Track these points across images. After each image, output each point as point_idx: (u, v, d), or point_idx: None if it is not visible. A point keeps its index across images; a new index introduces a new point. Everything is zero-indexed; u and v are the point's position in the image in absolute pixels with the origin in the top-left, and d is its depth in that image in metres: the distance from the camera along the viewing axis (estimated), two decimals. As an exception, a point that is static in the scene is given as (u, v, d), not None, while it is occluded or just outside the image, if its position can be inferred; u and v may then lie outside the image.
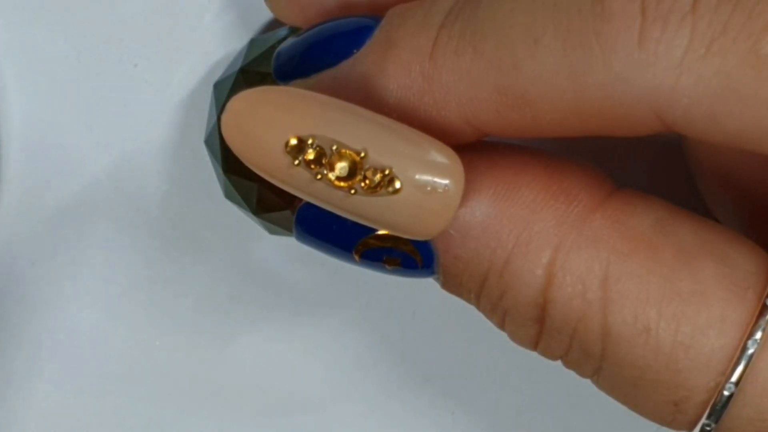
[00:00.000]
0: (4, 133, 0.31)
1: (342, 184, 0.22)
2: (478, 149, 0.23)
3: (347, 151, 0.21)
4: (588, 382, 0.25)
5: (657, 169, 0.27)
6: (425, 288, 0.32)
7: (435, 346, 0.33)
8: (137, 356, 0.32)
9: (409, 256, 0.23)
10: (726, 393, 0.21)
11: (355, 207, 0.22)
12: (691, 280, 0.21)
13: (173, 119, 0.31)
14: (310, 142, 0.21)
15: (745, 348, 0.21)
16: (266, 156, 0.21)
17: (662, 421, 0.23)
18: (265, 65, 0.27)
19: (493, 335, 0.27)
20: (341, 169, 0.22)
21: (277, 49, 0.24)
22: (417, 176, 0.21)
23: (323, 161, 0.22)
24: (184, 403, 0.32)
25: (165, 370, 0.32)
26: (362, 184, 0.21)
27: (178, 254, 0.32)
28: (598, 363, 0.23)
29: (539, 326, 0.23)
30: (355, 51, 0.23)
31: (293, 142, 0.21)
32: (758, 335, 0.21)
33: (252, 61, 0.27)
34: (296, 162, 0.21)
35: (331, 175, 0.22)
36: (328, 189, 0.22)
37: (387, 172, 0.21)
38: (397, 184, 0.21)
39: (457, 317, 0.32)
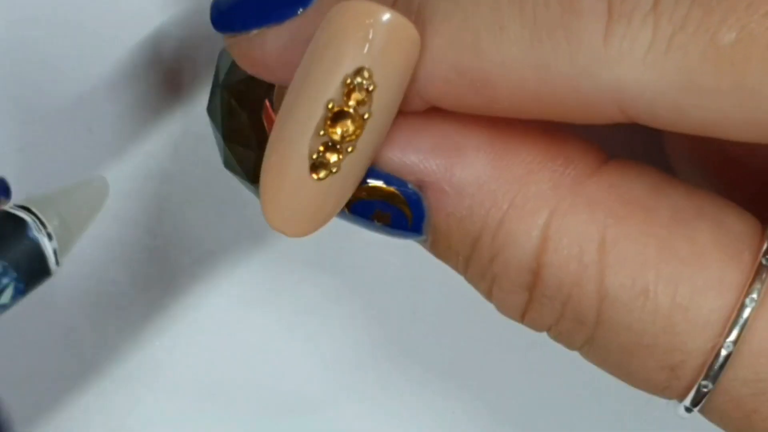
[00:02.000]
0: (5, 133, 0.31)
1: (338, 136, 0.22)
2: None
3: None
4: (588, 381, 0.25)
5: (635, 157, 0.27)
6: (425, 288, 0.32)
7: (435, 346, 0.33)
8: (137, 356, 0.32)
9: (401, 212, 0.23)
10: (724, 352, 0.21)
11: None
12: (689, 243, 0.21)
13: (173, 119, 0.31)
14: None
15: (742, 307, 0.21)
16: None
17: (655, 389, 0.23)
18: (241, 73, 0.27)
19: (493, 335, 0.27)
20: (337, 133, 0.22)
21: None
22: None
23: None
24: (184, 402, 0.32)
25: (165, 370, 0.32)
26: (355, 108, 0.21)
27: (179, 254, 0.32)
28: (591, 330, 0.22)
29: (529, 294, 0.23)
30: (300, 10, 0.23)
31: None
32: (755, 295, 0.21)
33: (228, 75, 0.27)
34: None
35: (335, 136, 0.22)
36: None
37: (366, 75, 0.21)
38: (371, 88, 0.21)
39: (457, 317, 0.32)
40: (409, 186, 0.23)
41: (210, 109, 0.28)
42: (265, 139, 0.23)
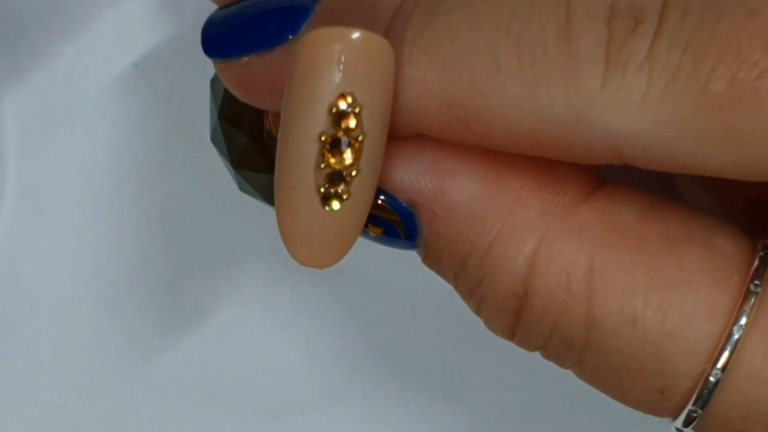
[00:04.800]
0: (3, 133, 0.31)
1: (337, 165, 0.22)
2: None
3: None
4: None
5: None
6: (425, 288, 0.32)
7: (435, 346, 0.33)
8: (137, 356, 0.32)
9: (393, 226, 0.23)
10: (712, 379, 0.21)
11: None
12: (677, 268, 0.21)
13: (173, 119, 0.31)
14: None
15: (730, 334, 0.21)
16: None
17: (647, 409, 0.23)
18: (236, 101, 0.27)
19: (493, 336, 0.27)
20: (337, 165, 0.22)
21: (207, 20, 0.24)
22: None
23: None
24: (184, 403, 0.32)
25: (165, 370, 0.32)
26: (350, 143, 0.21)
27: (178, 254, 0.32)
28: (580, 354, 0.22)
29: (515, 318, 0.23)
30: (290, 37, 0.22)
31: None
32: (743, 321, 0.21)
33: (224, 102, 0.27)
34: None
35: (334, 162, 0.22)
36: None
37: (357, 110, 0.21)
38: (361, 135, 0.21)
39: (457, 317, 0.32)
40: (402, 202, 0.23)
41: (213, 139, 0.28)
42: (273, 159, 0.23)
